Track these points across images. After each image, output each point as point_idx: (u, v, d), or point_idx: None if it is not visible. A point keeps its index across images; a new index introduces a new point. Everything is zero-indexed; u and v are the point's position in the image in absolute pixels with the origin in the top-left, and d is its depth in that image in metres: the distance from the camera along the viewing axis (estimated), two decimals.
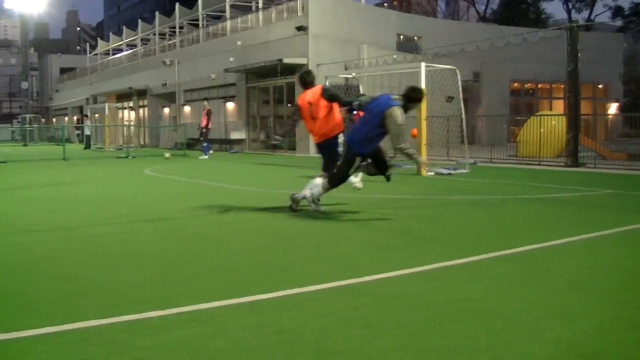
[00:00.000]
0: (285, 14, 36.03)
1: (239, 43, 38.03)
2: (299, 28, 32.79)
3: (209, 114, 30.03)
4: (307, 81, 10.76)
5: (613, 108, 50.90)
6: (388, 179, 10.49)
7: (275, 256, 6.90)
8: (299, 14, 34.02)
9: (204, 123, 29.63)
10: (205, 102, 31.31)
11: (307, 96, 10.46)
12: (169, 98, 46.21)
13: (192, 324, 4.47)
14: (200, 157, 29.02)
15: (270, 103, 36.66)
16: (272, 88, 36.03)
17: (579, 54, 22.04)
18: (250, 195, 13.28)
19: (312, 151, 31.33)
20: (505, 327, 4.42)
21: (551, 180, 16.64)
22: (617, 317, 4.68)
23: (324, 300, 5.13)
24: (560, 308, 4.86)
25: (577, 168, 21.12)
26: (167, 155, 29.19)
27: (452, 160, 23.18)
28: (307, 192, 10.21)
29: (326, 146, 10.53)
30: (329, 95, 10.32)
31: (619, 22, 66.33)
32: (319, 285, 5.52)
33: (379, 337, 4.20)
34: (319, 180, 10.28)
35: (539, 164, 22.71)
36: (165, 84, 46.53)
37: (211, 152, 29.60)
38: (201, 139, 30.18)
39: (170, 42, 51.55)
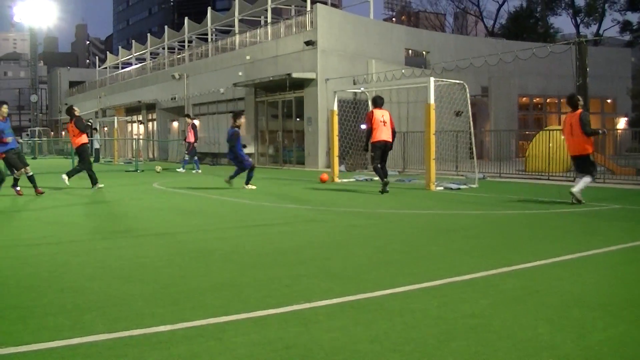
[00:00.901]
0: (294, 29, 36.10)
1: (247, 57, 38.11)
2: (308, 43, 32.84)
3: (194, 128, 30.10)
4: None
5: (622, 123, 50.82)
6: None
7: (281, 270, 6.90)
8: (307, 29, 34.07)
9: (190, 138, 29.69)
10: (188, 118, 31.36)
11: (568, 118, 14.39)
12: (178, 112, 46.30)
13: (200, 339, 4.47)
14: (178, 170, 29.21)
15: (279, 117, 36.64)
16: (281, 102, 36.02)
17: (587, 69, 22.05)
18: (257, 210, 13.28)
19: (321, 165, 31.37)
20: (513, 343, 4.42)
21: (560, 195, 16.60)
22: (626, 334, 4.68)
23: (332, 315, 5.13)
24: (569, 324, 4.86)
25: None
26: (158, 169, 29.17)
27: (461, 175, 23.17)
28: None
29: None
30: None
31: (627, 37, 66.42)
32: (326, 300, 5.52)
33: (388, 353, 4.21)
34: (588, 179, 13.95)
35: (547, 179, 22.66)
36: (174, 98, 46.62)
37: (200, 170, 29.28)
38: (187, 152, 30.21)
39: (179, 56, 51.62)
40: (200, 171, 28.74)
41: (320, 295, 5.71)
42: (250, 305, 5.35)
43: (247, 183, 18.58)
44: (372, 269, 6.99)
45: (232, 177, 18.45)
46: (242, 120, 19.31)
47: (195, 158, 29.69)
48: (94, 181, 18.41)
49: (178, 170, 29.10)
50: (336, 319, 4.99)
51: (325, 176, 20.27)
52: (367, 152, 18.32)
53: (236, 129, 18.62)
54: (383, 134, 16.89)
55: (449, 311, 5.23)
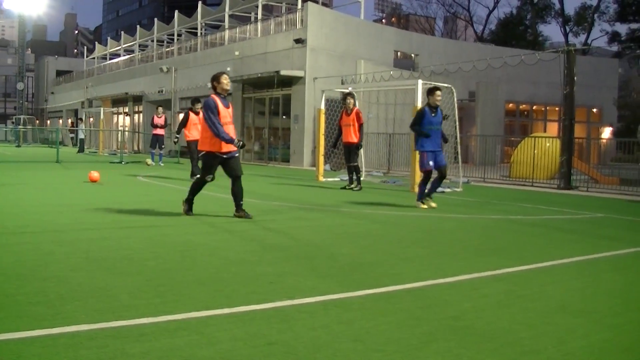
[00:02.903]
0: (284, 26, 36.10)
1: (236, 53, 38.08)
2: (297, 41, 32.85)
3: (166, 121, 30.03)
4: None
5: (607, 132, 51.06)
6: None
7: (266, 267, 6.88)
8: (297, 27, 34.07)
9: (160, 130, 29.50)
10: (160, 109, 30.88)
11: None
12: (165, 105, 46.17)
13: (182, 332, 4.45)
14: (149, 163, 29.04)
15: (266, 114, 36.63)
16: (268, 99, 36.00)
17: (575, 78, 22.14)
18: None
19: (306, 163, 31.37)
20: (495, 346, 4.43)
21: (543, 202, 16.67)
22: (608, 341, 4.70)
23: (315, 313, 5.12)
24: (551, 329, 4.87)
25: (570, 191, 21.15)
26: (149, 162, 29.02)
27: (446, 179, 23.21)
28: None
29: None
30: None
31: (615, 48, 66.70)
32: (310, 298, 5.52)
33: (371, 353, 4.20)
34: None
35: (531, 185, 22.74)
36: (162, 91, 46.56)
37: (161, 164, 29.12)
38: (163, 147, 30.07)
39: (167, 49, 51.51)
40: (154, 164, 28.76)
41: (305, 293, 5.71)
42: (233, 301, 5.33)
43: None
44: (356, 269, 6.98)
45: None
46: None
47: (160, 152, 29.56)
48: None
49: (160, 164, 28.93)
50: (319, 317, 4.98)
51: (94, 175, 17.88)
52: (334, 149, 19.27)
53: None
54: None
55: (432, 313, 5.23)
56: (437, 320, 5.02)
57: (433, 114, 13.26)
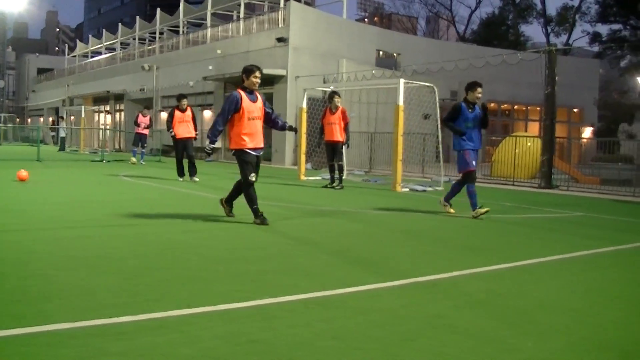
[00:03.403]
0: (267, 25, 36.10)
1: (218, 52, 38.02)
2: (280, 39, 32.84)
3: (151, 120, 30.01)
4: None
5: (587, 132, 51.33)
6: None
7: (247, 265, 6.85)
8: (280, 26, 34.08)
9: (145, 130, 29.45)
10: (146, 110, 30.86)
11: None
12: (146, 103, 46.07)
13: (163, 331, 4.44)
14: (133, 162, 28.87)
15: None
16: None
17: (556, 78, 22.24)
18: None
19: (288, 162, 31.35)
20: (476, 344, 4.44)
21: (524, 201, 16.74)
22: (588, 338, 4.72)
23: (296, 311, 5.12)
24: (531, 328, 4.89)
25: (551, 190, 21.26)
26: (132, 160, 28.89)
27: (427, 178, 23.27)
28: None
29: None
30: None
31: (596, 48, 67.02)
32: (291, 297, 5.51)
33: (351, 351, 4.20)
34: None
35: (512, 184, 22.85)
36: (143, 89, 46.40)
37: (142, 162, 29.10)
38: (145, 145, 30.02)
39: (149, 47, 51.36)
40: (138, 162, 28.75)
41: (286, 291, 5.70)
42: (215, 299, 5.31)
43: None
44: (337, 267, 6.99)
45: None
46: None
47: (142, 150, 29.51)
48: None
49: (142, 162, 28.81)
50: (300, 316, 4.98)
51: (22, 175, 16.82)
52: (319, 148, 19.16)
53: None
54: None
55: (413, 311, 5.24)
56: (418, 318, 5.03)
57: (470, 110, 12.54)
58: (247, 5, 41.65)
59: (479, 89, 12.74)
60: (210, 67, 37.29)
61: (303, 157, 21.76)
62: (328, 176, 18.67)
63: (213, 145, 10.55)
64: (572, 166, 26.51)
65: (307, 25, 33.76)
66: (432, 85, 20.04)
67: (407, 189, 18.35)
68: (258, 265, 6.91)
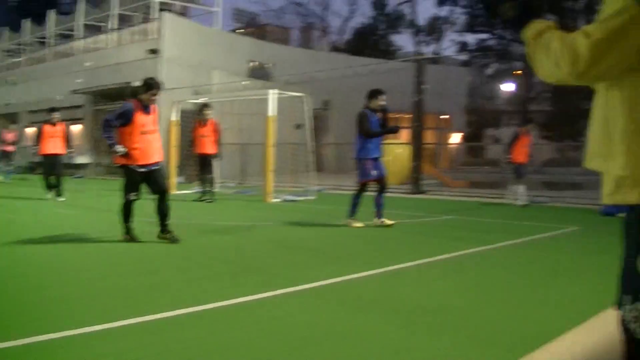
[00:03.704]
0: (139, 36, 35.63)
1: (87, 64, 37.29)
2: (152, 51, 32.46)
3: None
4: None
5: (456, 138, 52.56)
6: None
7: (124, 281, 6.77)
8: (152, 37, 33.67)
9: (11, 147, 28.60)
10: (13, 125, 29.98)
11: None
12: (12, 118, 44.66)
13: (30, 357, 4.35)
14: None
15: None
16: None
17: (424, 86, 22.74)
18: (86, 222, 13.04)
19: None
20: (366, 348, 4.51)
21: (395, 206, 16.98)
22: (474, 336, 4.90)
23: (183, 325, 5.11)
24: (416, 329, 5.01)
25: (421, 195, 21.70)
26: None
27: (300, 187, 23.39)
28: None
29: None
30: None
31: (464, 57, 68.69)
32: (176, 311, 5.46)
33: None
34: None
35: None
36: (9, 104, 45.03)
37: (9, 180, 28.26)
38: (11, 163, 29.25)
39: (16, 59, 49.92)
40: (4, 179, 27.80)
41: (170, 305, 5.65)
42: (97, 318, 5.18)
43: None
44: (215, 280, 6.98)
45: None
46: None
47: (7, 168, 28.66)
48: None
49: (8, 180, 27.85)
50: (188, 330, 4.96)
51: None
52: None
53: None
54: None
55: (291, 320, 5.31)
56: (297, 327, 5.08)
57: (376, 118, 12.31)
58: (119, 17, 41.03)
59: (382, 97, 12.56)
60: (79, 80, 36.54)
61: (174, 171, 21.57)
62: (200, 189, 18.50)
63: (118, 148, 9.55)
64: (442, 171, 27.13)
65: (179, 36, 33.47)
66: (303, 95, 20.16)
67: (280, 200, 18.39)
68: (134, 281, 6.82)
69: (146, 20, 38.54)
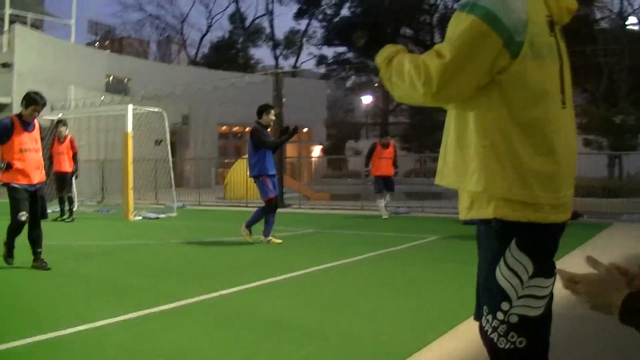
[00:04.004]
0: None
1: None
2: (4, 65, 31.40)
3: None
4: None
5: (317, 151, 53.08)
6: None
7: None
8: (4, 50, 32.58)
9: None
10: None
11: None
12: None
13: None
14: None
15: None
16: None
17: (284, 99, 22.86)
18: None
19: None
20: None
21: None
22: (320, 349, 4.89)
23: (29, 356, 4.92)
24: (266, 346, 4.96)
25: (283, 209, 21.73)
26: None
27: (161, 204, 23.05)
28: None
29: None
30: None
31: (322, 70, 69.62)
32: (20, 341, 5.20)
33: None
34: None
35: (246, 206, 23.11)
36: None
37: None
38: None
39: None
40: None
41: (15, 334, 5.39)
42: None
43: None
44: (62, 304, 6.76)
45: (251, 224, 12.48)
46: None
47: None
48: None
49: None
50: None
51: None
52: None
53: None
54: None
55: (147, 344, 5.17)
56: (153, 351, 4.96)
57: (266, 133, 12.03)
58: None
59: (273, 111, 12.40)
60: None
61: None
62: (59, 208, 17.90)
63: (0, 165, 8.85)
64: (303, 184, 27.29)
65: (32, 50, 32.54)
66: (161, 110, 19.91)
67: (140, 217, 18.05)
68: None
69: None
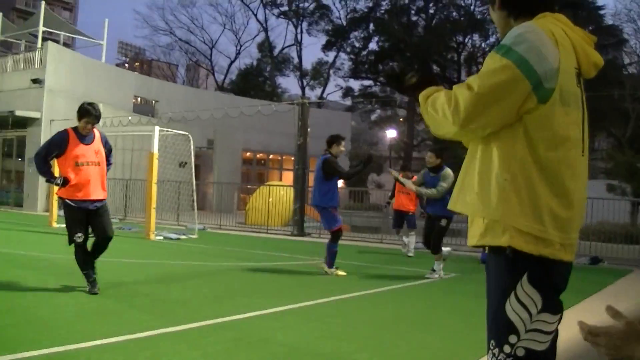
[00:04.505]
0: (22, 64, 34.72)
1: None
2: (35, 81, 31.67)
3: None
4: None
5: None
6: None
7: None
8: (36, 66, 32.90)
9: None
10: None
11: None
12: None
13: None
14: None
15: None
16: (2, 140, 34.40)
17: (308, 129, 22.98)
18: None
19: (40, 208, 30.14)
20: None
21: (277, 248, 17.02)
22: None
23: None
24: None
25: (303, 237, 21.78)
26: None
27: (182, 225, 23.16)
28: None
29: None
30: None
31: (348, 102, 69.73)
32: (34, 352, 5.26)
33: None
34: None
35: (266, 232, 23.16)
36: None
37: None
38: None
39: None
40: None
41: (28, 346, 5.44)
42: None
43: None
44: (83, 319, 6.78)
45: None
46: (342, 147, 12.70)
47: None
48: None
49: None
50: None
51: None
52: None
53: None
54: None
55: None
56: None
57: None
58: (2, 43, 40.12)
59: (343, 142, 12.33)
60: None
61: (55, 204, 21.06)
62: None
63: (56, 180, 8.36)
64: None
65: (64, 67, 32.82)
66: (187, 133, 20.06)
67: (161, 237, 18.15)
68: None
69: (31, 48, 37.71)
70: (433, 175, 11.72)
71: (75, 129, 8.50)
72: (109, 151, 8.79)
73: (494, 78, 2.55)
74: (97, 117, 8.42)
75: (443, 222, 11.57)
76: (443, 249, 12.23)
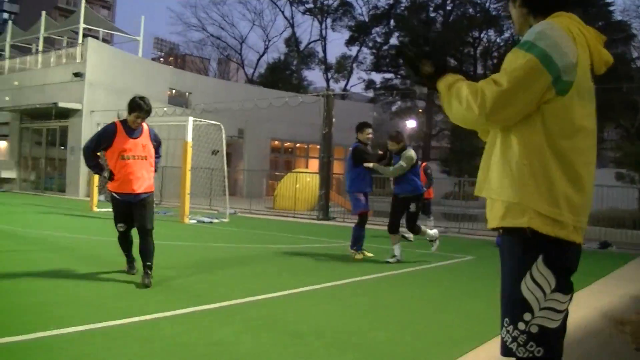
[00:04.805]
0: (64, 59, 34.94)
1: (15, 83, 36.45)
2: (76, 74, 31.89)
3: None
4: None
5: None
6: None
7: (27, 298, 6.58)
8: (77, 61, 33.13)
9: None
10: None
11: None
12: None
13: None
14: None
15: (43, 145, 35.23)
16: (46, 130, 34.69)
17: (333, 119, 22.97)
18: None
19: (82, 194, 30.35)
20: None
21: (303, 232, 17.04)
22: (366, 357, 4.87)
23: (80, 341, 4.97)
24: (304, 350, 4.98)
25: (328, 221, 21.79)
26: None
27: (214, 210, 23.23)
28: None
29: None
30: None
31: (370, 94, 69.53)
32: (74, 327, 5.31)
33: None
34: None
35: (293, 217, 23.20)
36: None
37: None
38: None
39: None
40: None
41: (68, 322, 5.50)
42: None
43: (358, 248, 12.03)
44: (120, 297, 6.83)
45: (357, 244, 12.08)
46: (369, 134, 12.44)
47: None
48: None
49: None
50: (84, 346, 4.82)
51: None
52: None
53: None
54: None
55: (194, 338, 5.20)
56: (199, 345, 5.00)
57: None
58: (46, 39, 40.30)
59: (369, 130, 12.16)
60: (7, 98, 35.65)
61: (95, 189, 21.22)
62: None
63: (104, 174, 8.14)
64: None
65: (103, 61, 33.03)
66: (219, 123, 20.09)
67: (195, 221, 18.23)
68: (37, 297, 6.65)
69: (72, 44, 37.91)
70: (397, 156, 11.62)
71: (124, 122, 8.15)
72: (158, 144, 8.52)
73: (519, 72, 2.62)
74: (147, 112, 8.09)
75: (412, 207, 11.37)
76: (430, 231, 12.16)
